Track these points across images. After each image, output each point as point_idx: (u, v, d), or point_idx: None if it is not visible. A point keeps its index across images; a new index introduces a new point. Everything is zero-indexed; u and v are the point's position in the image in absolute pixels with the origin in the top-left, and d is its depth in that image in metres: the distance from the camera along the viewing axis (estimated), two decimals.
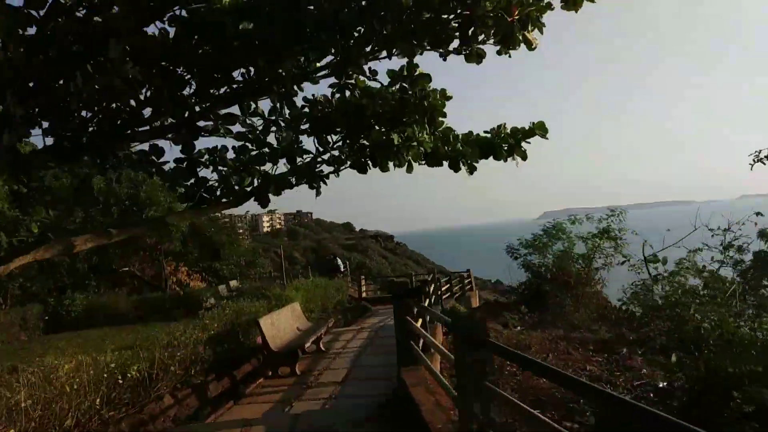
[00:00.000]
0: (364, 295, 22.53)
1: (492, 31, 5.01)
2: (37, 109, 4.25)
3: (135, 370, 6.46)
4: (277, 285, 15.18)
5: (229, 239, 33.96)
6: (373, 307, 20.19)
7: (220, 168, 6.13)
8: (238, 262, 32.55)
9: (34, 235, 10.36)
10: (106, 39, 3.91)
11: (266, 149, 6.18)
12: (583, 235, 17.99)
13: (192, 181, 6.07)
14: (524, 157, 6.32)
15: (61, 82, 4.24)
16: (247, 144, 6.15)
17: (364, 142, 6.10)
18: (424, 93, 5.95)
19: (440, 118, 6.20)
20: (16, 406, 5.09)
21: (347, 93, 6.07)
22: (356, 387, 7.66)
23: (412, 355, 6.75)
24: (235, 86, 5.21)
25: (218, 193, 6.14)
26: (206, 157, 6.05)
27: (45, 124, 4.45)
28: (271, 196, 6.10)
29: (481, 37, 5.08)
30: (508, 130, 6.33)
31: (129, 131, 5.20)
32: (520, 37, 4.98)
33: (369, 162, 6.15)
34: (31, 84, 4.11)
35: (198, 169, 6.04)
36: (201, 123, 5.69)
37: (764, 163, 12.99)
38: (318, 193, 6.26)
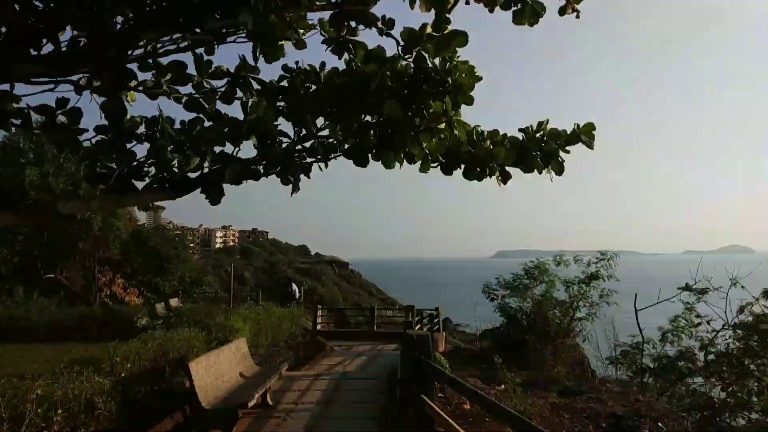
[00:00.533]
0: (318, 327, 20.29)
1: None
2: None
3: None
4: (221, 311, 12.92)
5: (177, 252, 31.07)
6: (329, 342, 18.03)
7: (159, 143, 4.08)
8: (182, 279, 29.70)
9: None
10: None
11: (226, 127, 4.22)
12: (570, 278, 16.46)
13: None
14: (560, 171, 4.59)
15: None
16: (201, 116, 4.17)
17: (369, 119, 4.21)
18: (451, 66, 4.13)
19: (465, 104, 4.37)
20: None
21: (345, 57, 4.21)
22: None
23: None
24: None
25: (149, 176, 4.14)
26: (142, 128, 4.04)
27: None
28: (234, 195, 4.11)
29: None
30: (548, 131, 4.62)
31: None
32: None
33: (373, 150, 4.26)
34: None
35: (130, 145, 4.02)
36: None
37: None
38: (295, 189, 4.31)
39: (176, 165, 4.11)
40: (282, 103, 4.46)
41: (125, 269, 27.40)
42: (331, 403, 8.48)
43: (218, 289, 34.55)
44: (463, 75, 4.17)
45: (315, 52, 4.23)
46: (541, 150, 4.60)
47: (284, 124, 4.38)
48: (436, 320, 19.49)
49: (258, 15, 3.12)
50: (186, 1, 3.16)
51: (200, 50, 3.83)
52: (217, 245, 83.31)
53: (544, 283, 16.82)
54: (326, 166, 4.71)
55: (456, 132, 4.39)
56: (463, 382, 5.25)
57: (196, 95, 4.18)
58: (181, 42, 3.72)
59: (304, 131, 4.41)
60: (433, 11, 3.74)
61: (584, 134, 4.52)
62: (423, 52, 4.06)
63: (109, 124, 3.90)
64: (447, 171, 4.65)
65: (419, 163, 4.48)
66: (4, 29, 3.21)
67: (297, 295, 25.17)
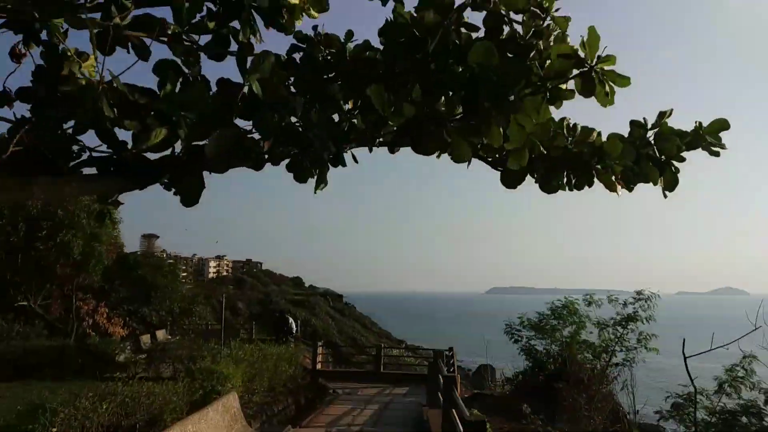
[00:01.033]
0: (319, 366, 18.31)
1: None
2: None
3: None
4: (209, 349, 11.09)
5: (166, 281, 29.03)
6: (331, 384, 16.12)
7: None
8: (171, 309, 27.68)
9: None
10: None
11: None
12: (604, 320, 14.72)
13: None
14: (673, 185, 3.06)
15: None
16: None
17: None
18: (543, 27, 2.66)
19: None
20: None
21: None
22: None
23: None
24: None
25: (86, 154, 2.52)
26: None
27: None
28: (213, 186, 2.45)
29: None
30: (667, 129, 3.02)
31: None
32: None
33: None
34: None
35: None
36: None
37: None
38: (321, 182, 2.64)
39: (136, 137, 2.42)
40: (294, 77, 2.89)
41: (109, 298, 25.45)
42: None
43: (209, 321, 32.48)
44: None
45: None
46: (654, 153, 3.02)
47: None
48: (451, 362, 17.57)
49: None
50: None
51: None
52: (211, 275, 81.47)
53: (574, 324, 15.08)
54: (370, 150, 3.09)
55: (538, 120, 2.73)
56: None
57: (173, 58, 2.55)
58: None
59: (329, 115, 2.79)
60: None
61: (710, 135, 2.93)
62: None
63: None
64: (546, 177, 3.01)
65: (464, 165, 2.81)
66: None
67: (294, 330, 23.22)
